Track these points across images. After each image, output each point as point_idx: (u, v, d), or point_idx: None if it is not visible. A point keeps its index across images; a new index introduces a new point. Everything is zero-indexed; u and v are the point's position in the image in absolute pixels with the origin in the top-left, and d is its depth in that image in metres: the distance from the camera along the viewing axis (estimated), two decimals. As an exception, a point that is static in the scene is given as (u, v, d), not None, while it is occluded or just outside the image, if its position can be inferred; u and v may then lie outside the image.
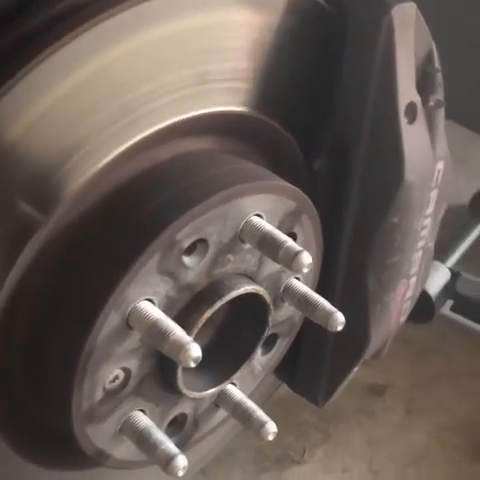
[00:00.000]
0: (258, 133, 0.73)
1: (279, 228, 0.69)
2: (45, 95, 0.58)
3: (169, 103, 0.64)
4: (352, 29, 0.72)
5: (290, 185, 0.70)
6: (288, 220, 0.71)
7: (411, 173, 0.75)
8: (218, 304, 0.67)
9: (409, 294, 0.86)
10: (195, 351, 0.60)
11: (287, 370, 0.87)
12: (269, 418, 0.73)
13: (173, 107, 0.65)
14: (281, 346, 0.79)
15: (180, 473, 0.65)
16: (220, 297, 0.67)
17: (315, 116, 0.76)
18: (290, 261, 0.66)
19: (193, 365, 0.60)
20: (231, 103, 0.69)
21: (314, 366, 0.87)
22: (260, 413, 0.73)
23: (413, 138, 0.75)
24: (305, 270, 0.66)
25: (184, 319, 0.65)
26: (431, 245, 0.86)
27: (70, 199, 0.60)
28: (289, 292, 0.75)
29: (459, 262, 1.24)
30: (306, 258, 0.66)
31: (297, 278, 0.75)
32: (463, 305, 1.16)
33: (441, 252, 1.17)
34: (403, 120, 0.74)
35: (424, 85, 0.75)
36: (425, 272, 0.87)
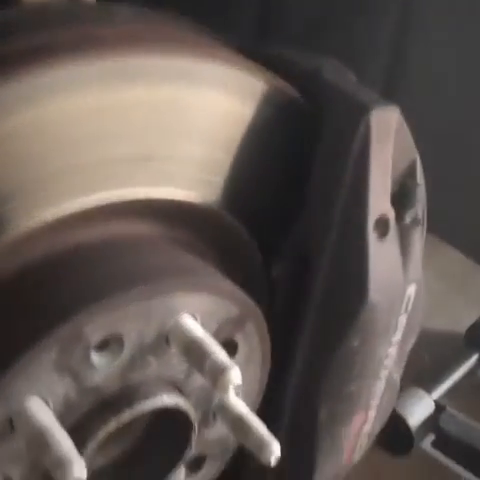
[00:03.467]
0: (214, 227, 0.66)
1: (216, 334, 0.61)
2: None
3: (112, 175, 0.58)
4: (326, 130, 0.65)
5: (233, 287, 0.62)
6: (228, 327, 0.63)
7: (376, 293, 0.67)
8: (127, 414, 0.58)
9: (366, 429, 0.76)
10: (77, 471, 0.51)
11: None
12: None
13: (113, 181, 0.58)
14: (209, 470, 0.70)
15: None
16: (130, 406, 0.58)
17: (279, 218, 0.69)
18: (216, 377, 0.58)
19: None
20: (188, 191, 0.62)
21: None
22: None
23: (381, 255, 0.67)
24: (231, 391, 0.58)
25: (84, 427, 0.56)
26: (396, 377, 0.77)
27: None
28: (222, 409, 0.65)
29: (446, 394, 1.14)
30: (235, 377, 0.57)
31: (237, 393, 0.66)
32: (445, 442, 1.04)
33: (428, 381, 1.07)
34: (372, 235, 0.66)
35: (401, 199, 0.68)
36: (387, 406, 0.78)
